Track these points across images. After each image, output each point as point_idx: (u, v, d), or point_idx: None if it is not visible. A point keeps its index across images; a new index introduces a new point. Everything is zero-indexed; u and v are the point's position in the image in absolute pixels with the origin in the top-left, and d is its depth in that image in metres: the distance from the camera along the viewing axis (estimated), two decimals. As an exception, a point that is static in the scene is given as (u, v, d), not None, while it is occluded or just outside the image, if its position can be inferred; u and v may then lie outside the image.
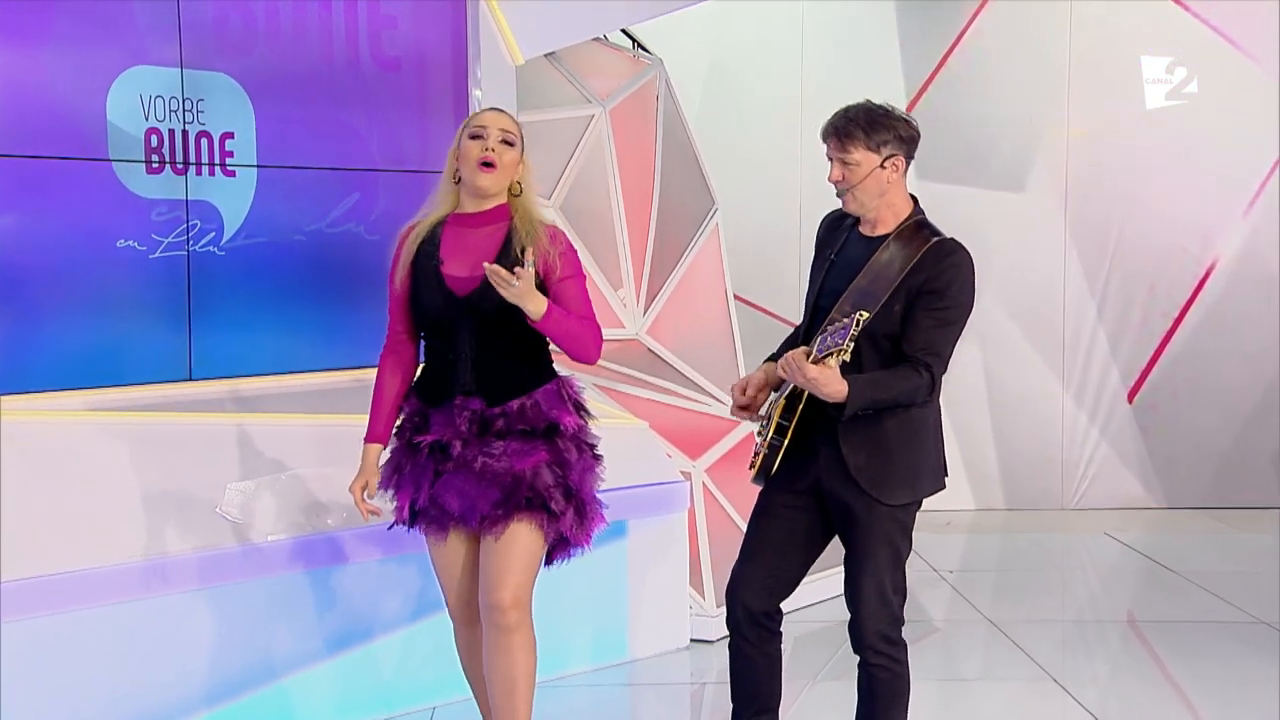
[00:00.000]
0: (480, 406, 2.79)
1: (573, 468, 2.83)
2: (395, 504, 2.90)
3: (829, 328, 2.68)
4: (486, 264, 2.70)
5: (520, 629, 2.81)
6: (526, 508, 2.79)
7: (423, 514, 2.87)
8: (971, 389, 6.58)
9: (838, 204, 2.92)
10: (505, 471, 2.78)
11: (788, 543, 2.91)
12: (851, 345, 2.59)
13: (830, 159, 2.83)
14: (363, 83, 4.20)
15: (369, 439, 2.93)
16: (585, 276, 2.89)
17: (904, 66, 6.59)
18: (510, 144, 2.84)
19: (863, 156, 2.78)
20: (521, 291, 2.69)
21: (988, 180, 6.57)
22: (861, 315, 2.58)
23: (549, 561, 2.90)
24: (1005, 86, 6.54)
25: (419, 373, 2.93)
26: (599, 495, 2.91)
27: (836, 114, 2.83)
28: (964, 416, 6.51)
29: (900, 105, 6.66)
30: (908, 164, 2.83)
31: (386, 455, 2.94)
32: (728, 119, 6.60)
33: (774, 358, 3.02)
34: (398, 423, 2.92)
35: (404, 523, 2.91)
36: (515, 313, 2.74)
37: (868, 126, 2.78)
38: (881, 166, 2.79)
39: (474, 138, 2.82)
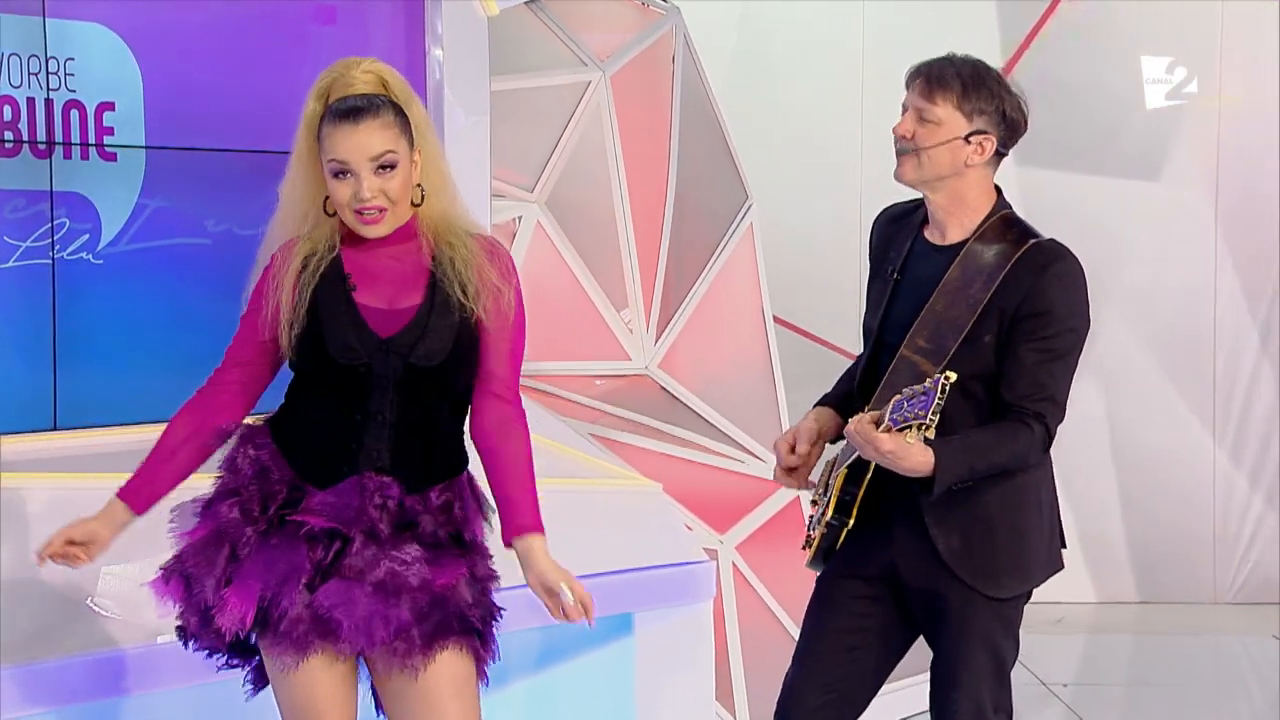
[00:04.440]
0: (398, 493, 2.71)
1: (485, 585, 2.79)
2: (217, 601, 2.69)
3: (906, 390, 2.69)
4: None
5: None
6: (457, 631, 2.72)
7: (279, 625, 2.67)
8: (1091, 443, 6.55)
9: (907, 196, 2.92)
10: (420, 587, 2.69)
11: (856, 647, 2.92)
12: (936, 419, 2.60)
13: (905, 107, 2.84)
14: (287, 39, 4.21)
15: (123, 493, 2.78)
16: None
17: (999, 15, 6.61)
18: (392, 166, 2.68)
19: (948, 115, 2.79)
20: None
21: (1111, 165, 6.57)
22: (949, 378, 2.59)
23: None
24: (1134, 42, 6.55)
25: (290, 435, 2.77)
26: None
27: (936, 58, 2.85)
28: (1081, 479, 6.47)
29: (996, 65, 6.68)
30: (999, 154, 2.83)
31: (178, 522, 2.80)
32: (766, 87, 6.62)
33: (830, 400, 3.01)
34: (236, 487, 2.76)
35: (235, 630, 2.69)
36: (455, 365, 2.71)
37: (970, 82, 2.80)
38: (966, 140, 2.79)
39: (336, 175, 2.68)
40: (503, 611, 2.83)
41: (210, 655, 2.82)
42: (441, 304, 2.70)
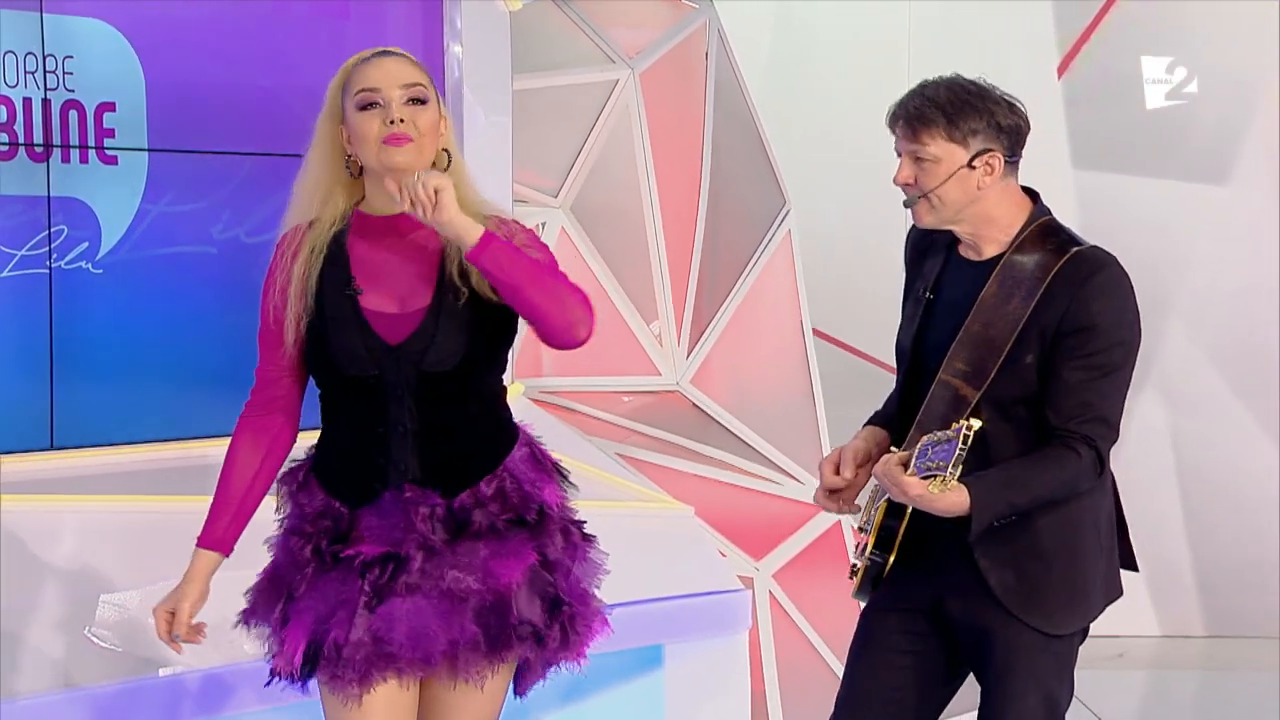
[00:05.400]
0: (443, 499, 2.72)
1: (559, 566, 2.77)
2: (276, 644, 2.73)
3: (933, 435, 2.68)
4: (398, 181, 2.60)
5: None
6: (515, 642, 2.72)
7: (336, 659, 2.68)
8: (1151, 459, 6.51)
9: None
10: (486, 590, 2.71)
11: (900, 688, 2.91)
12: (958, 471, 2.59)
13: (899, 154, 2.85)
14: (298, 35, 4.23)
15: (205, 543, 2.78)
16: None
17: (1055, 10, 6.59)
18: (423, 101, 2.69)
19: (942, 150, 2.79)
20: (445, 205, 2.56)
21: (1175, 168, 6.54)
22: (970, 427, 2.58)
23: (519, 691, 2.83)
24: (1200, 35, 6.53)
25: (322, 456, 2.79)
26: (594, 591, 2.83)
27: (910, 92, 2.85)
28: (1141, 499, 6.38)
29: (1051, 62, 6.65)
30: (1011, 162, 2.83)
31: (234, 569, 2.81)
32: (806, 84, 6.62)
33: (881, 419, 3.01)
34: (281, 519, 2.79)
35: (290, 676, 2.71)
36: (472, 366, 2.71)
37: (950, 109, 2.79)
38: (970, 165, 2.79)
39: (365, 108, 2.68)
40: (590, 596, 2.80)
41: (295, 683, 2.78)
42: (451, 303, 2.69)
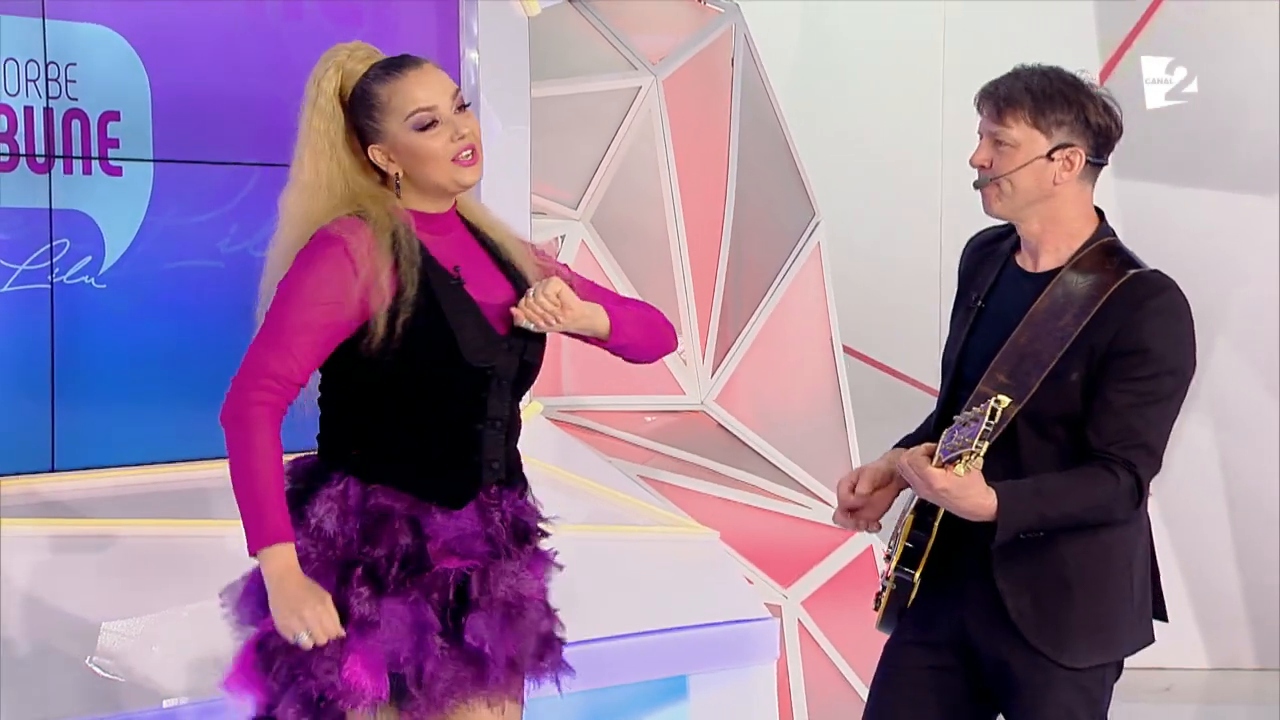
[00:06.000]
0: (512, 504, 2.77)
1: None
2: (333, 684, 2.63)
3: (960, 415, 2.67)
4: (524, 303, 2.70)
5: None
6: (552, 654, 2.81)
7: (427, 689, 2.65)
8: (1202, 488, 6.48)
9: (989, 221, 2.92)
10: (534, 596, 2.76)
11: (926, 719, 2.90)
12: (985, 446, 2.58)
13: (980, 135, 2.84)
14: (308, 43, 4.23)
15: (276, 537, 2.62)
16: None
17: (1097, 12, 6.58)
18: (466, 105, 2.78)
19: (1023, 135, 2.79)
20: (570, 304, 2.69)
21: (1224, 179, 6.52)
22: (999, 401, 2.56)
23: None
24: (1249, 38, 6.51)
25: (392, 463, 2.74)
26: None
27: (1003, 75, 2.85)
28: (1191, 528, 6.41)
29: (1093, 66, 6.59)
30: (1094, 165, 2.82)
31: (232, 604, 2.77)
32: (836, 91, 6.62)
33: (912, 441, 3.00)
34: (351, 539, 2.70)
35: (374, 708, 2.65)
36: (543, 357, 2.80)
37: (1040, 96, 2.79)
38: (1049, 157, 2.79)
39: (425, 128, 2.70)
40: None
41: None
42: (526, 292, 2.75)
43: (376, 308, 2.67)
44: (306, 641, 2.59)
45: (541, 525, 2.84)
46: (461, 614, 2.69)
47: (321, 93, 2.79)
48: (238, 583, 2.81)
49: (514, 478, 2.80)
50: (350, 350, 2.71)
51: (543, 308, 2.68)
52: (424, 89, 2.71)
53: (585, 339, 2.81)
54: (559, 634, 2.83)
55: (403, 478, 2.72)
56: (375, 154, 2.75)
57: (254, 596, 2.74)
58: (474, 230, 2.85)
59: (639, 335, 2.85)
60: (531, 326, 2.71)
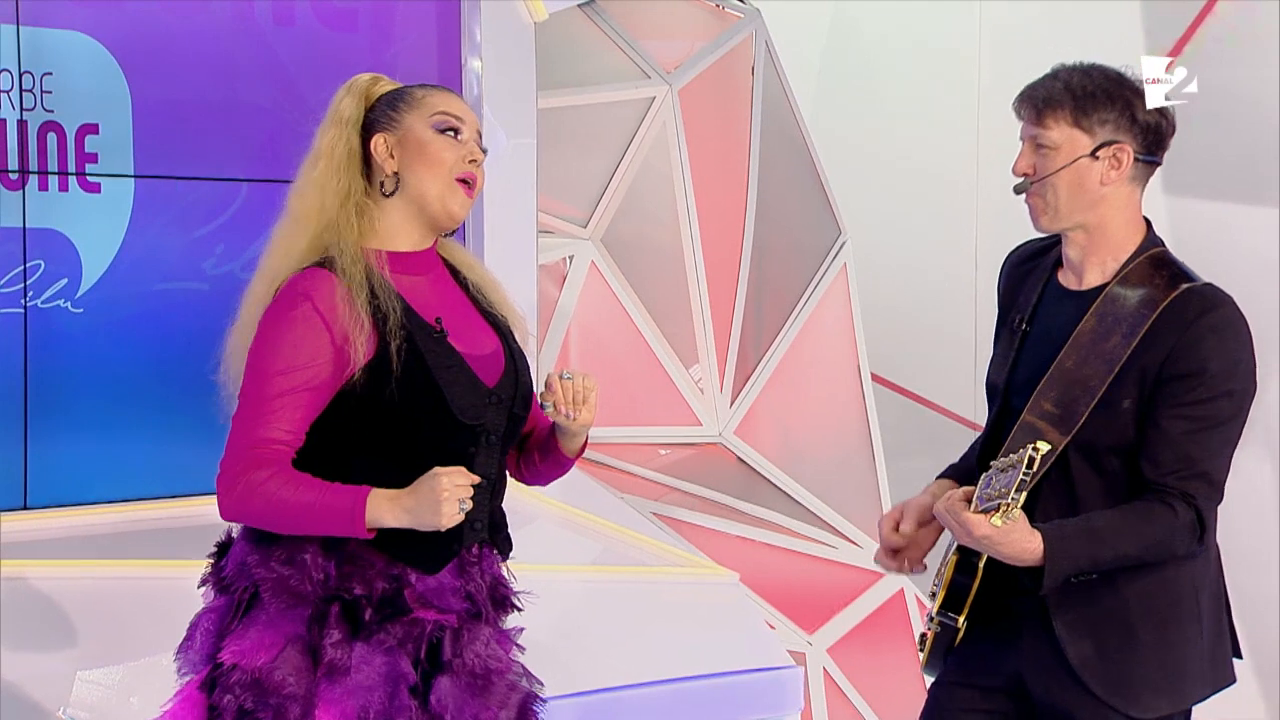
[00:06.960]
0: (494, 565, 2.79)
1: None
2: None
3: (999, 461, 2.67)
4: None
5: None
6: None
7: None
8: (1260, 528, 6.46)
9: (1030, 235, 2.90)
10: (505, 670, 2.77)
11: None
12: (1022, 497, 2.57)
13: (1021, 141, 2.84)
14: (300, 50, 4.24)
15: (357, 501, 2.61)
16: None
17: (1145, 14, 6.58)
18: (486, 151, 2.82)
19: (1064, 136, 2.78)
20: (594, 406, 2.77)
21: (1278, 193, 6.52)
22: (1037, 449, 2.55)
23: None
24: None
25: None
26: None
27: (1042, 76, 2.85)
28: (1247, 574, 6.36)
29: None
30: (1145, 164, 2.81)
31: (188, 664, 2.72)
32: (863, 100, 6.63)
33: (955, 472, 3.01)
34: (329, 575, 2.69)
35: None
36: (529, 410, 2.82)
37: (1081, 94, 2.78)
38: (1093, 156, 2.77)
39: (445, 130, 2.74)
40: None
41: None
42: (510, 342, 2.79)
43: (356, 361, 2.66)
44: (469, 507, 2.63)
45: (514, 599, 2.82)
46: (431, 675, 2.70)
47: (338, 110, 2.80)
48: (195, 643, 2.77)
49: (496, 537, 2.80)
50: (331, 407, 2.70)
51: (579, 394, 2.74)
52: (459, 106, 2.78)
53: (552, 441, 2.85)
54: (535, 705, 2.83)
55: (380, 539, 2.69)
56: (377, 143, 2.74)
57: (198, 643, 2.74)
58: (454, 271, 2.85)
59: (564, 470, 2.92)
60: (552, 411, 2.74)
